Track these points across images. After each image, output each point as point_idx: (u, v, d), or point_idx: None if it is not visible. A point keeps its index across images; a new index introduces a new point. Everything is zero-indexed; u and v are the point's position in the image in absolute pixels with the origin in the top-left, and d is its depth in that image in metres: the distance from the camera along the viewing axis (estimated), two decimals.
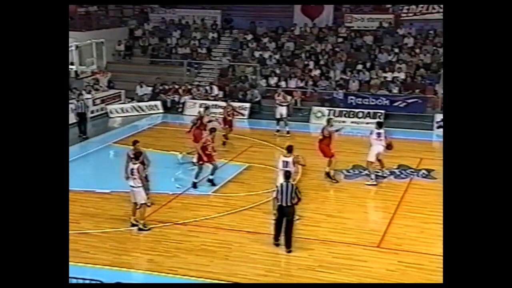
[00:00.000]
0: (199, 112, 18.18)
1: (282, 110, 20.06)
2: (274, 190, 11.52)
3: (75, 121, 19.74)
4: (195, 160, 15.36)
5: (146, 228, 12.43)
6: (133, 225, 12.53)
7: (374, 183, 15.21)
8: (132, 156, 12.74)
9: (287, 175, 11.48)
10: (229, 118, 18.79)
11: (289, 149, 13.42)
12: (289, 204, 11.17)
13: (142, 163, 12.65)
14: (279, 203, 11.23)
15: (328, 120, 16.57)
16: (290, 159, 13.08)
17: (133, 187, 12.28)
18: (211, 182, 15.03)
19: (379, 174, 15.58)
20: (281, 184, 11.31)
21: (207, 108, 18.04)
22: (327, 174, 15.48)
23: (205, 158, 14.73)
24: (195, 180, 14.89)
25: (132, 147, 13.56)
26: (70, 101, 19.54)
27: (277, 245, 11.53)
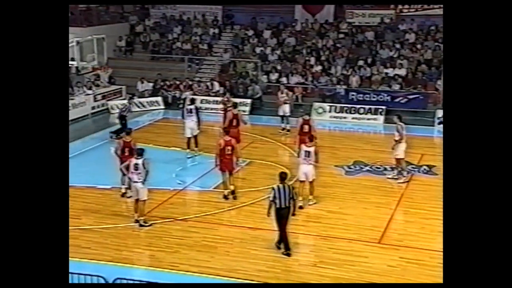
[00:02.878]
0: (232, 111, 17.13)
1: (285, 108, 19.99)
2: (270, 192, 11.14)
3: (117, 121, 19.37)
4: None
5: (147, 224, 12.44)
6: (137, 221, 12.52)
7: (407, 180, 15.11)
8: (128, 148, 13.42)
9: (283, 176, 11.21)
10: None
11: (311, 138, 13.56)
12: (287, 205, 10.96)
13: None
14: (277, 206, 10.96)
15: (309, 112, 16.62)
16: (312, 149, 13.22)
17: (136, 182, 12.29)
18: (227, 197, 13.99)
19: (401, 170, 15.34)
20: (278, 186, 10.98)
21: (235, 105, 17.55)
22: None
23: (218, 163, 13.75)
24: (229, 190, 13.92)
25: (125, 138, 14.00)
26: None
27: (288, 253, 11.15)
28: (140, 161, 12.29)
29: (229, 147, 13.76)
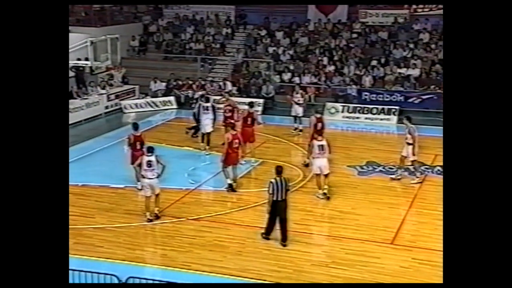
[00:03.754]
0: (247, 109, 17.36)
1: (298, 109, 19.92)
2: (268, 186, 11.42)
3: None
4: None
5: (152, 218, 12.60)
6: (150, 220, 12.58)
7: (420, 181, 15.06)
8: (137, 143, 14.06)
9: (279, 170, 11.60)
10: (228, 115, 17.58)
11: (320, 133, 14.26)
12: (283, 198, 11.35)
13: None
14: (274, 199, 11.33)
15: (320, 110, 17.15)
16: (324, 142, 13.79)
17: (151, 179, 12.46)
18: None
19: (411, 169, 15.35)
20: (275, 180, 11.37)
21: (251, 105, 17.66)
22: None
23: (224, 158, 14.19)
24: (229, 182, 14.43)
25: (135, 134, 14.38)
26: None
27: (268, 238, 11.65)
28: (152, 158, 12.47)
29: (236, 141, 14.25)
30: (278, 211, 11.38)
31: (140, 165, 12.62)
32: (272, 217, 11.52)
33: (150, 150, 12.69)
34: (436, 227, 12.35)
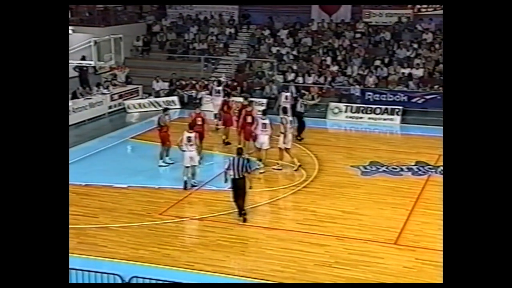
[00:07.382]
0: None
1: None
2: (226, 163, 12.62)
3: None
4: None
5: (196, 185, 14.38)
6: (192, 186, 14.35)
7: (281, 168, 15.76)
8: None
9: (239, 151, 12.69)
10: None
11: (265, 113, 16.05)
12: (241, 176, 12.28)
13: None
14: (232, 177, 12.32)
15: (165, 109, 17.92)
16: (268, 121, 15.63)
17: (190, 151, 14.19)
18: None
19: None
20: (233, 158, 12.44)
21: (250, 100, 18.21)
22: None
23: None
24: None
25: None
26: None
27: (244, 214, 12.50)
28: (192, 134, 14.32)
29: (199, 119, 16.13)
30: (238, 187, 12.33)
31: (181, 140, 14.20)
32: (235, 195, 12.44)
33: (191, 127, 14.64)
34: (440, 227, 12.18)
